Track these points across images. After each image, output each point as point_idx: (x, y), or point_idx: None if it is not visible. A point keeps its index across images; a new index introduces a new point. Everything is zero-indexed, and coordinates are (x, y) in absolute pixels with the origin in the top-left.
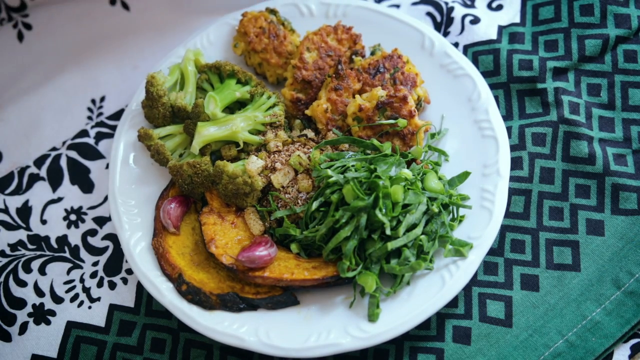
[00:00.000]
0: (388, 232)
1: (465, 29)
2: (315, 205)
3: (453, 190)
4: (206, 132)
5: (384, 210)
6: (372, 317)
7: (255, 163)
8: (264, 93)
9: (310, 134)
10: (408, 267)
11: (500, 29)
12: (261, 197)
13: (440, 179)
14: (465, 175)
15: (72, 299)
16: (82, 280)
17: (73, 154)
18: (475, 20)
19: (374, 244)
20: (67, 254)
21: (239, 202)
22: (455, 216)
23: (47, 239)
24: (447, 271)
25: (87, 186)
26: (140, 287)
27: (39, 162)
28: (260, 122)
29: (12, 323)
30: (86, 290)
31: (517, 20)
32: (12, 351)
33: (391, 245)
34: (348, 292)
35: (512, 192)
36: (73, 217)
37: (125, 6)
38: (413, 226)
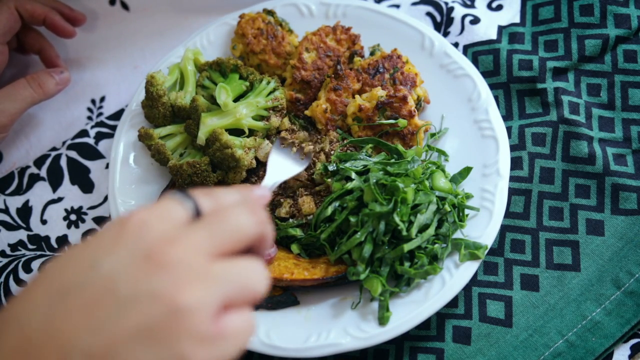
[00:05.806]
0: (404, 233)
1: (465, 29)
2: (330, 210)
3: (459, 190)
4: (211, 122)
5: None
6: (383, 321)
7: (264, 149)
8: (262, 79)
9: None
10: (423, 272)
11: (500, 29)
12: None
13: (445, 177)
14: (467, 170)
15: None
16: None
17: (73, 154)
18: (475, 21)
19: (383, 247)
20: None
21: (223, 175)
22: (461, 215)
23: (47, 239)
24: (447, 271)
25: (87, 186)
26: None
27: (39, 162)
28: (262, 107)
29: None
30: None
31: (517, 20)
32: None
33: (407, 247)
34: (348, 292)
35: (512, 192)
36: (73, 217)
37: (125, 6)
38: (425, 227)
